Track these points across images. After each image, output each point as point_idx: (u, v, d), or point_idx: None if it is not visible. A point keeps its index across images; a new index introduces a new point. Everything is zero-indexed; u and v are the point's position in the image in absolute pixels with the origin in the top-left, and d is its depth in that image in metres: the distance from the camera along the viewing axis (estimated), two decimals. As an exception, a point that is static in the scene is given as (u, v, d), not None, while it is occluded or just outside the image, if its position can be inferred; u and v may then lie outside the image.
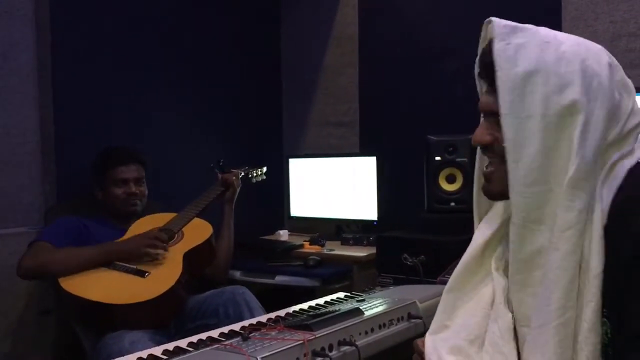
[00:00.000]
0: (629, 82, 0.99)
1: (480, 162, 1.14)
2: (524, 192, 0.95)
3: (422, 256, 2.23)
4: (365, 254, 2.67)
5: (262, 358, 1.17)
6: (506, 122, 0.94)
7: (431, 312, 1.64)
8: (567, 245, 0.91)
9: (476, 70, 1.09)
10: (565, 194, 0.91)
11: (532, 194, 0.94)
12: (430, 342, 1.11)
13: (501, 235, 1.11)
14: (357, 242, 2.87)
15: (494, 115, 0.99)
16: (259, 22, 3.42)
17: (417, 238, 2.34)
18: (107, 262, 2.03)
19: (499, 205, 1.13)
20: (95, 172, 2.32)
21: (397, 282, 2.19)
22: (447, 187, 2.42)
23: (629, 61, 2.41)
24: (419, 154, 2.56)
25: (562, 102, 0.92)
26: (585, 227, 0.91)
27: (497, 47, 0.96)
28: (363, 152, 3.13)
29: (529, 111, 0.93)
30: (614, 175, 0.94)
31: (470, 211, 2.45)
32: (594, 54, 0.96)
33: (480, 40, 1.07)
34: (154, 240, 2.05)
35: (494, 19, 1.01)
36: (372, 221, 2.98)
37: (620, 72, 0.99)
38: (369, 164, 2.99)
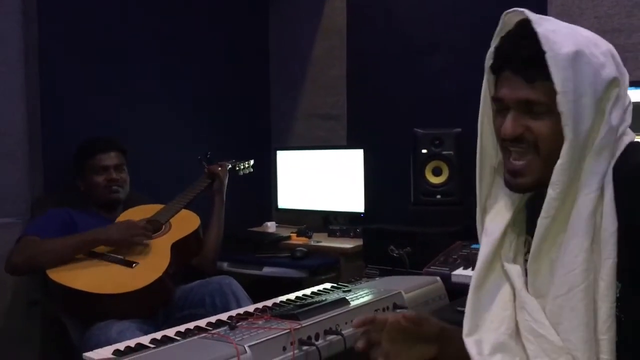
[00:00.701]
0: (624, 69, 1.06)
1: (482, 154, 1.15)
2: (569, 167, 0.98)
3: (408, 248, 2.26)
4: (352, 246, 2.69)
5: (249, 346, 1.19)
6: (563, 101, 0.96)
7: (416, 303, 1.68)
8: (589, 209, 0.96)
9: (488, 62, 1.09)
10: (592, 160, 0.97)
11: (574, 168, 0.98)
12: (472, 344, 1.07)
13: (516, 226, 1.13)
14: (344, 234, 2.89)
15: (530, 105, 1.01)
16: (247, 14, 3.41)
17: (404, 230, 2.36)
18: (93, 249, 2.04)
19: (504, 196, 1.14)
20: (76, 163, 2.33)
21: (384, 274, 2.22)
22: (433, 179, 2.44)
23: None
24: (406, 146, 2.58)
25: (605, 79, 0.98)
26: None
27: (541, 30, 0.98)
28: (350, 145, 3.15)
29: (582, 89, 0.96)
30: (618, 147, 1.00)
31: (455, 203, 2.48)
32: (603, 41, 1.03)
33: (498, 31, 1.08)
34: (140, 230, 2.06)
35: (520, 9, 1.04)
36: (359, 213, 3.00)
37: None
38: (356, 156, 3.01)
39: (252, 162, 2.82)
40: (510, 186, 1.08)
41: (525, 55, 1.00)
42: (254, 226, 3.25)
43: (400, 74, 3.02)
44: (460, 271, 1.97)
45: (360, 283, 1.87)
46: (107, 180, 2.28)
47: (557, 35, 0.98)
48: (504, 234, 1.12)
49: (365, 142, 3.03)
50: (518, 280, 1.07)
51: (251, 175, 2.85)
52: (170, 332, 1.44)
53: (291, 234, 2.96)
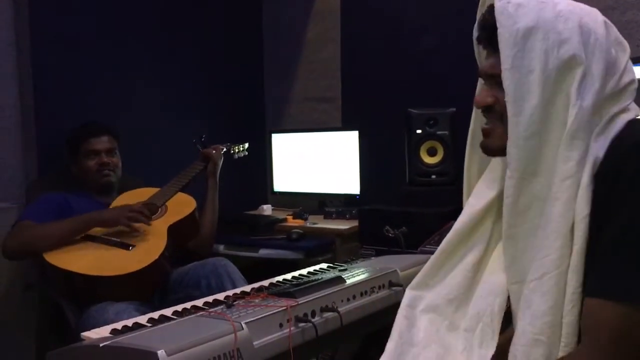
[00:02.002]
0: (624, 40, 1.03)
1: (475, 124, 1.18)
2: (523, 145, 0.98)
3: (404, 228, 2.27)
4: (347, 227, 2.70)
5: (245, 323, 1.20)
6: (507, 76, 0.97)
7: (411, 280, 1.68)
8: (567, 194, 0.95)
9: (475, 34, 1.11)
10: (564, 145, 0.95)
11: (530, 146, 0.98)
12: (408, 298, 1.15)
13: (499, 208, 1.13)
14: (340, 216, 2.90)
15: (494, 77, 1.03)
16: (240, -3, 3.39)
17: (399, 210, 2.37)
18: (88, 231, 2.04)
19: (495, 169, 1.16)
20: (69, 148, 2.33)
21: (379, 254, 2.22)
22: (428, 159, 2.45)
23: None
24: (401, 127, 2.58)
25: (561, 57, 0.96)
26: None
27: (498, 5, 0.99)
28: (345, 127, 3.15)
29: (530, 66, 0.96)
30: (611, 127, 0.97)
31: (450, 183, 2.50)
32: (589, 13, 1.00)
33: (480, 6, 1.11)
34: (136, 213, 2.06)
35: None
36: (355, 195, 3.01)
37: (615, 30, 1.02)
38: (351, 138, 3.01)
39: (247, 145, 2.82)
40: (481, 146, 1.12)
41: (486, 30, 1.03)
42: (250, 209, 3.26)
43: (394, 55, 3.01)
44: (455, 249, 1.97)
45: (357, 262, 1.88)
46: (98, 164, 2.28)
47: (519, 10, 0.98)
48: (485, 211, 1.15)
49: (360, 123, 3.03)
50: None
51: (246, 158, 2.85)
52: (167, 311, 1.44)
53: (287, 217, 2.96)
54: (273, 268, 2.42)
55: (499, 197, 1.11)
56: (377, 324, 1.59)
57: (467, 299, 1.13)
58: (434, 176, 2.43)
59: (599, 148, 0.95)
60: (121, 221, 2.04)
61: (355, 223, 2.67)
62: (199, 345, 1.11)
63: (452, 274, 1.15)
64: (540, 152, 0.98)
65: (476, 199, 1.17)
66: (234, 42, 3.35)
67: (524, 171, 0.99)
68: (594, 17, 1.00)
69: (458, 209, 2.26)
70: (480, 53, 1.12)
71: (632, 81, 1.01)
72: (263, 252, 2.65)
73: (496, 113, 1.05)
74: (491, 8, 1.03)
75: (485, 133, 1.10)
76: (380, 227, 2.32)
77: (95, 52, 2.63)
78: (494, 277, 1.12)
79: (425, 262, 1.80)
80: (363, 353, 1.86)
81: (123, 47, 2.75)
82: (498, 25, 0.98)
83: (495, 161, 1.17)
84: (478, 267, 1.15)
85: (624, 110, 1.00)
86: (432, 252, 1.95)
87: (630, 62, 1.02)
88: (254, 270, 2.23)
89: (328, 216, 2.94)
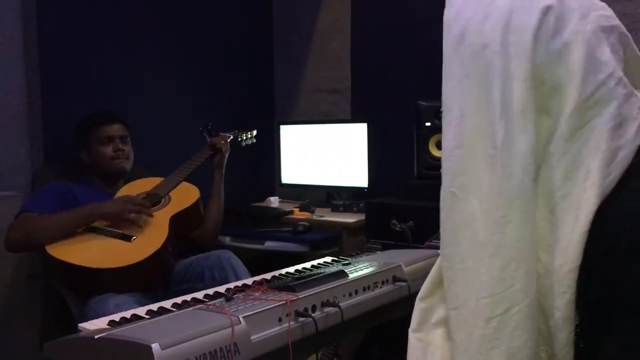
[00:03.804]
0: (593, 27, 0.86)
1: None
2: (450, 155, 0.91)
3: (411, 222, 2.23)
4: (354, 220, 2.67)
5: (243, 317, 1.17)
6: (443, 86, 0.93)
7: (416, 276, 1.65)
8: (520, 216, 0.85)
9: None
10: (502, 161, 0.85)
11: (456, 157, 0.90)
12: (418, 313, 1.04)
13: None
14: (347, 209, 2.87)
15: None
16: (250, -14, 3.36)
17: (406, 204, 2.33)
18: (90, 224, 2.02)
19: None
20: (79, 134, 2.30)
21: (386, 248, 2.20)
22: (437, 153, 2.40)
23: (624, 26, 2.38)
24: (410, 120, 2.53)
25: (483, 63, 0.87)
26: (560, 202, 0.84)
27: (444, 13, 0.95)
28: (354, 119, 3.11)
29: (458, 73, 0.90)
30: (596, 151, 0.83)
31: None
32: (528, 2, 0.86)
33: None
34: (137, 207, 2.04)
35: None
36: (363, 188, 2.97)
37: (571, 17, 0.86)
38: (360, 130, 2.97)
39: (254, 132, 2.78)
40: None
41: None
42: (257, 201, 3.24)
43: (404, 47, 2.97)
44: (462, 245, 1.94)
45: (361, 257, 1.85)
46: (114, 150, 2.26)
47: (458, 15, 0.93)
48: None
49: (369, 116, 2.99)
50: None
51: (255, 149, 2.82)
52: (167, 303, 1.43)
53: (294, 209, 2.94)
54: (278, 261, 2.40)
55: None
56: (380, 319, 1.57)
57: None
58: (442, 170, 2.38)
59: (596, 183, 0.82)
60: (123, 215, 2.02)
61: (362, 216, 2.64)
62: (194, 339, 1.08)
63: (455, 281, 1.08)
64: (467, 165, 0.88)
65: None
66: (244, 32, 3.32)
67: (452, 183, 0.90)
68: (532, 4, 0.86)
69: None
70: None
71: (604, 80, 0.85)
72: (269, 245, 2.63)
73: None
74: None
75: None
76: (387, 221, 2.28)
77: (104, 41, 2.61)
78: None
79: (431, 257, 1.79)
80: (366, 348, 1.84)
81: (132, 35, 2.73)
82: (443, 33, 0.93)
83: None
84: None
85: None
86: (437, 247, 1.95)
87: (606, 54, 0.86)
88: (259, 263, 2.21)
89: (335, 209, 2.91)
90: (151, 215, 2.06)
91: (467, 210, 0.88)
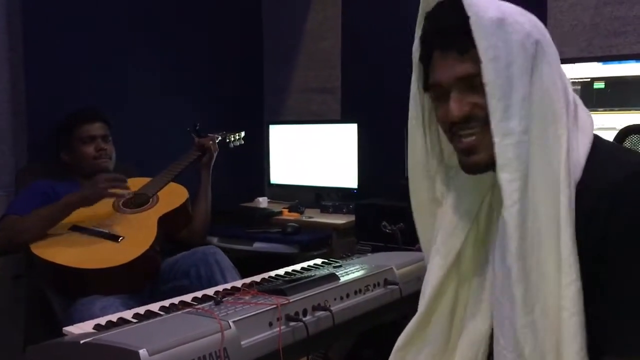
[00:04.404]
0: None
1: (413, 150, 1.12)
2: (520, 142, 0.90)
3: (401, 224, 2.22)
4: (344, 222, 2.65)
5: (233, 322, 1.15)
6: (491, 69, 0.89)
7: (408, 279, 1.64)
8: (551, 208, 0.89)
9: (416, 55, 1.06)
10: (566, 141, 0.90)
11: (524, 143, 0.90)
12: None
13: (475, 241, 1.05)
14: (337, 210, 2.85)
15: (467, 80, 0.94)
16: (240, -16, 3.33)
17: (396, 206, 2.32)
18: (74, 219, 1.99)
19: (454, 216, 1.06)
20: (61, 134, 2.27)
21: (376, 250, 2.18)
22: (428, 154, 2.39)
23: (614, 29, 2.38)
24: (401, 121, 2.51)
25: (529, 50, 0.91)
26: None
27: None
28: (344, 119, 3.09)
29: (510, 57, 0.90)
30: (581, 125, 0.94)
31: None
32: (531, 16, 0.98)
33: (419, 17, 1.05)
34: (113, 180, 1.99)
35: None
36: (352, 189, 2.96)
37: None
38: (350, 131, 2.95)
39: (243, 133, 2.76)
40: (465, 166, 1.00)
41: (452, 24, 0.94)
42: (246, 201, 3.21)
43: (395, 47, 2.94)
44: (453, 248, 1.92)
45: (352, 259, 1.83)
46: (96, 150, 2.23)
47: (481, 2, 0.92)
48: (459, 254, 1.06)
49: (360, 116, 2.97)
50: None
51: (243, 149, 2.79)
52: (154, 306, 1.40)
53: (283, 210, 2.91)
54: (267, 262, 2.38)
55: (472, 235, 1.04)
56: (371, 323, 1.55)
57: (450, 350, 1.07)
58: (433, 171, 2.37)
59: (576, 146, 0.91)
60: (103, 192, 1.97)
61: (352, 218, 2.63)
62: (183, 344, 1.06)
63: (434, 329, 1.08)
64: (532, 151, 0.90)
65: (441, 256, 1.07)
66: (233, 31, 3.29)
67: (524, 171, 0.89)
68: (529, 14, 0.98)
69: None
70: (419, 75, 1.06)
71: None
72: (257, 246, 2.61)
73: (478, 119, 0.94)
74: (443, 5, 0.98)
75: (469, 149, 0.97)
76: (377, 223, 2.27)
77: (90, 39, 2.57)
78: (473, 322, 1.05)
79: (422, 259, 1.76)
80: (356, 351, 1.82)
81: (118, 33, 2.69)
82: (472, 15, 0.90)
83: (463, 189, 1.07)
84: (454, 314, 1.08)
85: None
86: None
87: None
88: (248, 264, 2.18)
89: (325, 210, 2.89)
90: (128, 188, 2.03)
91: (536, 197, 0.92)
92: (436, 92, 1.00)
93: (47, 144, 2.34)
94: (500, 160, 0.90)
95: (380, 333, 1.69)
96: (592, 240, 0.86)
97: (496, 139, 0.89)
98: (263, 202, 3.16)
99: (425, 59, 1.02)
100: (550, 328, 0.88)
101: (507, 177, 0.89)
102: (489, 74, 0.89)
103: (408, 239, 2.14)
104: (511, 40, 0.90)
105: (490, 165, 0.94)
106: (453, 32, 0.94)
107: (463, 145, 0.98)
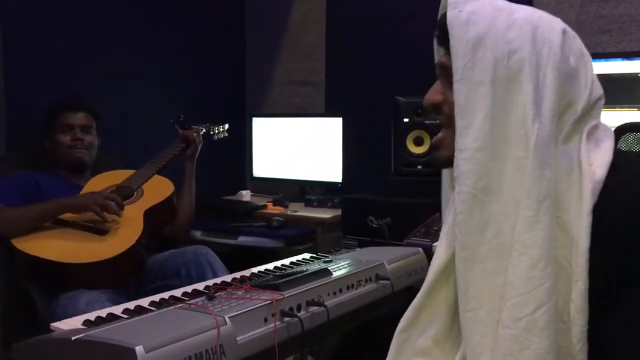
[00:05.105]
0: (586, 52, 0.97)
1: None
2: (471, 159, 0.91)
3: (388, 218, 2.21)
4: (329, 216, 2.63)
5: (229, 317, 1.13)
6: (458, 88, 0.92)
7: (399, 274, 1.64)
8: (547, 217, 0.87)
9: (435, 33, 1.05)
10: (535, 163, 0.88)
11: (479, 160, 0.91)
12: (396, 343, 1.07)
13: None
14: (322, 204, 2.83)
15: (447, 75, 0.96)
16: (223, -25, 3.29)
17: (383, 200, 2.31)
18: (58, 218, 1.94)
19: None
20: (45, 120, 2.22)
21: (362, 244, 2.17)
22: (415, 149, 2.38)
23: (598, 27, 2.41)
24: (385, 115, 2.51)
25: (510, 67, 0.90)
26: (564, 197, 0.88)
27: (450, 14, 0.94)
28: (328, 113, 3.08)
29: (479, 77, 0.90)
30: (598, 146, 0.92)
31: (437, 174, 2.44)
32: (547, 22, 0.95)
33: (440, 7, 1.05)
34: (109, 201, 1.95)
35: None
36: (337, 183, 2.95)
37: (577, 41, 0.97)
38: (335, 124, 2.94)
39: (227, 125, 2.73)
40: (432, 161, 1.08)
41: (440, 32, 1.00)
42: (228, 195, 3.17)
43: (381, 40, 2.94)
44: (441, 242, 1.93)
45: (341, 253, 1.82)
46: (72, 139, 2.17)
47: (471, 18, 0.92)
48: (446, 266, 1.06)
49: (344, 110, 2.96)
50: None
51: (226, 141, 2.76)
52: (144, 302, 1.37)
53: (267, 203, 2.89)
54: (252, 256, 2.36)
55: None
56: (364, 319, 1.54)
57: (453, 337, 1.06)
58: (420, 166, 2.37)
59: (595, 165, 0.89)
60: (93, 208, 1.94)
61: (337, 212, 2.61)
62: (179, 341, 1.04)
63: (436, 312, 1.07)
64: (492, 168, 0.91)
65: (448, 239, 1.07)
66: (215, 22, 3.25)
67: (475, 186, 0.91)
68: (552, 26, 0.94)
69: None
70: (439, 50, 1.06)
71: (601, 96, 0.96)
72: (242, 240, 2.58)
73: (445, 115, 0.99)
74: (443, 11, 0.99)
75: (435, 145, 1.03)
76: (363, 217, 2.25)
77: (70, 30, 2.51)
78: None
79: (412, 255, 1.78)
80: (343, 349, 1.81)
81: (99, 25, 2.63)
82: (450, 36, 0.93)
83: None
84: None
85: (596, 127, 0.94)
86: (418, 245, 1.94)
87: (595, 76, 0.96)
88: (232, 258, 2.15)
89: (309, 204, 2.87)
90: (121, 215, 1.98)
91: (489, 212, 0.91)
92: (436, 73, 1.05)
93: (27, 133, 2.29)
94: (455, 171, 0.93)
95: (366, 331, 1.69)
96: (612, 256, 0.86)
97: (456, 153, 0.93)
98: (246, 195, 3.14)
99: (439, 41, 1.06)
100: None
101: (456, 188, 0.93)
102: (456, 92, 0.92)
103: (395, 234, 2.13)
104: (485, 60, 0.90)
105: (451, 163, 0.97)
106: (442, 36, 0.99)
107: (433, 140, 1.05)
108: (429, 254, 1.87)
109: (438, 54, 1.05)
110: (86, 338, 1.05)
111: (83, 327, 1.22)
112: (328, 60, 3.15)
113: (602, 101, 0.96)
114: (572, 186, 0.89)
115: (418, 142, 2.39)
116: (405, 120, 2.38)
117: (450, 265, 1.04)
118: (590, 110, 0.94)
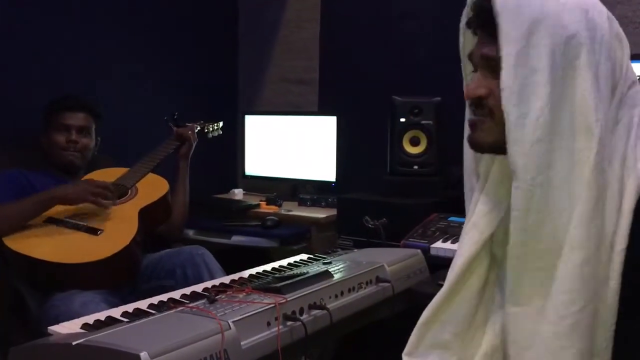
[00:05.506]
0: (624, 36, 0.95)
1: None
2: (529, 151, 0.87)
3: (384, 219, 2.19)
4: (324, 216, 2.61)
5: (233, 322, 1.11)
6: (510, 75, 0.87)
7: (399, 276, 1.62)
8: (604, 212, 0.86)
9: (464, 20, 1.01)
10: (599, 156, 0.85)
11: (538, 152, 0.87)
12: (415, 335, 1.05)
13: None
14: (315, 203, 2.81)
15: (490, 62, 0.92)
16: (217, -29, 3.25)
17: (379, 200, 2.30)
18: (52, 213, 1.91)
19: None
20: (43, 117, 2.18)
21: (358, 245, 2.16)
22: (411, 149, 2.37)
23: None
24: (380, 115, 2.50)
25: (567, 55, 0.87)
26: (611, 192, 0.86)
27: (496, 2, 0.89)
28: (322, 112, 3.06)
29: (535, 64, 0.86)
30: None
31: (433, 174, 2.43)
32: (593, 5, 0.91)
33: None
34: (101, 189, 1.92)
35: None
36: (330, 182, 2.93)
37: (616, 25, 0.94)
38: (329, 123, 2.92)
39: (221, 123, 2.70)
40: (469, 141, 1.01)
41: (481, 16, 0.94)
42: (220, 193, 3.15)
43: (376, 38, 2.92)
44: (439, 244, 1.92)
45: (338, 254, 1.80)
46: (67, 141, 2.14)
47: (521, 1, 0.88)
48: (493, 234, 1.03)
49: (339, 109, 2.94)
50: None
51: (218, 139, 2.73)
52: (143, 304, 1.35)
53: (260, 202, 2.86)
54: (246, 256, 2.33)
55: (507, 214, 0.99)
56: (365, 322, 1.53)
57: (473, 331, 1.04)
58: (416, 167, 2.36)
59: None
60: (87, 197, 1.90)
61: (331, 211, 2.60)
62: (184, 347, 1.02)
63: (459, 306, 1.04)
64: (551, 160, 0.87)
65: (479, 231, 1.03)
66: (208, 19, 3.21)
67: (532, 182, 0.87)
68: (599, 9, 0.91)
69: (440, 202, 2.22)
70: (466, 38, 1.02)
71: (634, 82, 0.93)
72: (235, 239, 2.55)
73: (489, 109, 0.94)
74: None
75: (473, 125, 0.98)
76: (359, 217, 2.24)
77: (62, 27, 2.47)
78: (501, 312, 1.02)
79: (411, 256, 1.76)
80: (341, 352, 1.79)
81: (90, 22, 2.59)
82: (500, 20, 0.88)
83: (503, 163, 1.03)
84: (482, 293, 1.05)
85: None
86: (416, 246, 1.93)
87: (629, 61, 0.94)
88: (226, 258, 2.13)
89: (302, 203, 2.85)
90: (115, 202, 1.95)
91: (547, 209, 0.88)
92: (472, 65, 1.00)
93: (16, 130, 2.24)
94: (511, 165, 0.89)
95: (363, 336, 1.67)
96: None
97: (507, 146, 0.89)
98: (238, 193, 3.11)
99: (468, 26, 1.01)
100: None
101: (514, 183, 0.89)
102: (507, 79, 0.87)
103: (391, 235, 2.12)
104: (540, 46, 0.86)
105: (495, 149, 0.95)
106: (483, 21, 0.94)
107: (470, 119, 0.99)
108: (428, 255, 1.87)
109: (471, 43, 1.00)
110: (87, 343, 1.03)
111: (82, 331, 1.20)
112: (322, 58, 3.13)
113: (638, 87, 0.93)
114: (612, 181, 0.87)
115: (414, 142, 2.38)
116: (402, 120, 2.37)
117: (478, 259, 1.02)
118: (625, 97, 0.92)
